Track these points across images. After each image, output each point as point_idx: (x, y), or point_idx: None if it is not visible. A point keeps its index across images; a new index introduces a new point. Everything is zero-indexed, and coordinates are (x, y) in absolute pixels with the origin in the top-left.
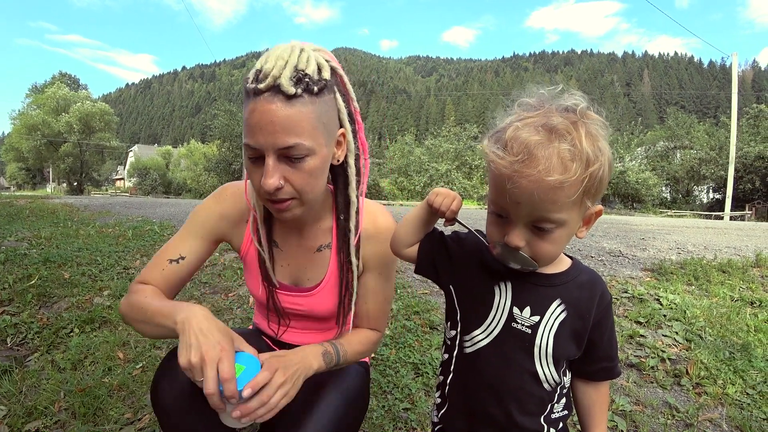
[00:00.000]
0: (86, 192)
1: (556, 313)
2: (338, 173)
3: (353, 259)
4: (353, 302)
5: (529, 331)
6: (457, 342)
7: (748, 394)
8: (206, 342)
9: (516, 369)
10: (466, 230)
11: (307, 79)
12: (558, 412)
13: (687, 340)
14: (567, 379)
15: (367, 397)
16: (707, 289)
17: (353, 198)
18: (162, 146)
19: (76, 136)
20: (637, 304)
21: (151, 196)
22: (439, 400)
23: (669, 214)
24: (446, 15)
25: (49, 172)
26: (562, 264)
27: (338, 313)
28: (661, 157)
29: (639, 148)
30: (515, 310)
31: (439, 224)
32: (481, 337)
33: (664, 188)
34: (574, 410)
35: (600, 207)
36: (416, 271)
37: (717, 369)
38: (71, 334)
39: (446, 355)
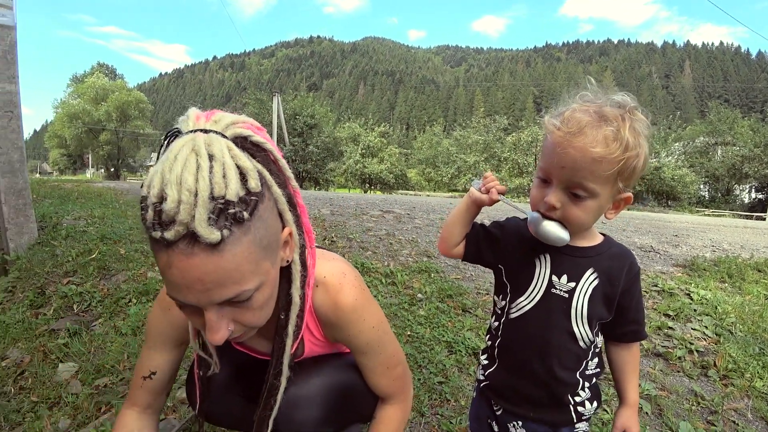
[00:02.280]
0: (122, 177)
1: (589, 280)
2: (282, 272)
3: (284, 369)
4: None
5: (566, 295)
6: (506, 310)
7: None
8: None
9: (556, 329)
10: (510, 208)
11: (231, 210)
12: (591, 369)
13: (716, 334)
14: (599, 340)
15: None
16: (741, 287)
17: (296, 299)
18: None
19: (114, 124)
20: (667, 297)
21: None
22: (486, 362)
23: (706, 213)
24: (476, 4)
25: (88, 158)
26: (596, 239)
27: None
28: (701, 153)
29: (676, 144)
30: (554, 278)
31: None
32: (525, 302)
33: (702, 186)
34: (607, 368)
35: (630, 195)
36: (464, 260)
37: (745, 363)
38: (129, 303)
39: (495, 323)
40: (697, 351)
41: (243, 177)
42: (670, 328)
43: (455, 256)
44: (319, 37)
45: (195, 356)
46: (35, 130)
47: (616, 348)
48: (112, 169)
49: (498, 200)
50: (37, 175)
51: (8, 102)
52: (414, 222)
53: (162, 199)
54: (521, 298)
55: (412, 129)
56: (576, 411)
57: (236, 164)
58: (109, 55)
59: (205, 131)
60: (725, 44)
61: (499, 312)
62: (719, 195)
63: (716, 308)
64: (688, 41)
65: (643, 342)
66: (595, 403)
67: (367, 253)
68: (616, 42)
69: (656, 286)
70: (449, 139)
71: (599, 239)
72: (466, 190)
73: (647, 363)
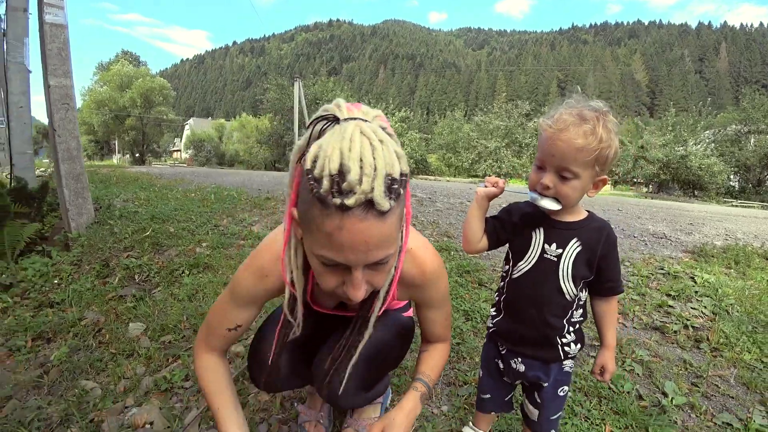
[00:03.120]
0: (147, 162)
1: (573, 247)
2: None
3: (370, 325)
4: (356, 351)
5: (555, 259)
6: (510, 272)
7: (762, 361)
8: None
9: (547, 285)
10: (510, 197)
11: (395, 185)
12: (576, 317)
13: (713, 313)
14: (583, 295)
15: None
16: (745, 273)
17: (391, 270)
18: (215, 119)
19: (139, 110)
20: (671, 280)
21: (207, 166)
22: (494, 313)
23: (734, 203)
24: None
25: (115, 144)
26: (581, 215)
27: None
28: (732, 142)
29: (707, 132)
30: (546, 246)
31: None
32: (524, 265)
33: (732, 176)
34: (590, 317)
35: (605, 177)
36: (489, 250)
37: (737, 338)
38: (182, 274)
39: (502, 283)
40: (692, 327)
41: (398, 160)
42: (670, 306)
43: (480, 251)
44: (338, 20)
45: (281, 321)
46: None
47: (597, 301)
48: (137, 155)
49: (504, 189)
50: None
51: (64, 95)
52: (435, 205)
53: (342, 173)
54: (521, 263)
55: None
56: (563, 350)
57: (395, 149)
58: (132, 42)
59: (362, 120)
60: (765, 26)
61: (505, 274)
62: (750, 186)
63: (717, 291)
64: (724, 22)
65: (642, 317)
66: (579, 345)
67: None
68: (646, 23)
69: (662, 269)
70: (470, 124)
71: (584, 215)
72: (486, 175)
73: (644, 335)
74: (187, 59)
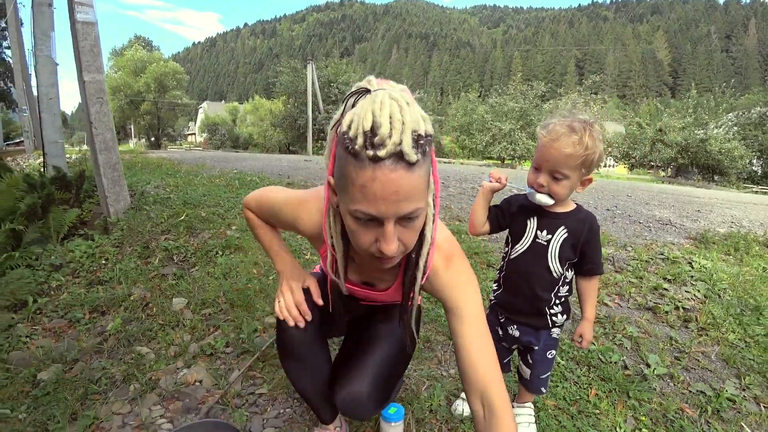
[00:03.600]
0: (163, 147)
1: (561, 234)
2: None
3: (416, 290)
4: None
5: (545, 243)
6: (508, 254)
7: (745, 341)
8: (289, 299)
9: (538, 265)
10: (514, 192)
11: (422, 141)
12: (562, 292)
13: (705, 297)
14: (569, 274)
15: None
16: (742, 260)
17: (428, 237)
18: (228, 102)
19: (153, 95)
20: (670, 264)
21: (221, 150)
22: (495, 287)
23: (754, 190)
24: None
25: (131, 129)
26: (569, 207)
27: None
28: (756, 125)
29: (729, 114)
30: (538, 232)
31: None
32: (520, 248)
33: (754, 161)
34: (574, 293)
35: (591, 177)
36: (490, 233)
37: (724, 320)
38: (216, 255)
39: (502, 262)
40: (683, 308)
41: (424, 121)
42: (665, 289)
43: (483, 234)
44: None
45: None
46: (80, 104)
47: (580, 280)
48: (153, 139)
49: (506, 185)
50: (85, 147)
51: (98, 90)
52: (448, 190)
53: (374, 129)
54: (518, 246)
55: (446, 94)
56: (551, 319)
57: (420, 113)
58: (143, 26)
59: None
60: None
61: (504, 255)
62: None
63: (712, 276)
64: None
65: (637, 298)
66: (565, 316)
67: None
68: None
69: (662, 254)
70: (485, 105)
71: (572, 207)
72: (500, 159)
73: (637, 314)
74: (199, 42)
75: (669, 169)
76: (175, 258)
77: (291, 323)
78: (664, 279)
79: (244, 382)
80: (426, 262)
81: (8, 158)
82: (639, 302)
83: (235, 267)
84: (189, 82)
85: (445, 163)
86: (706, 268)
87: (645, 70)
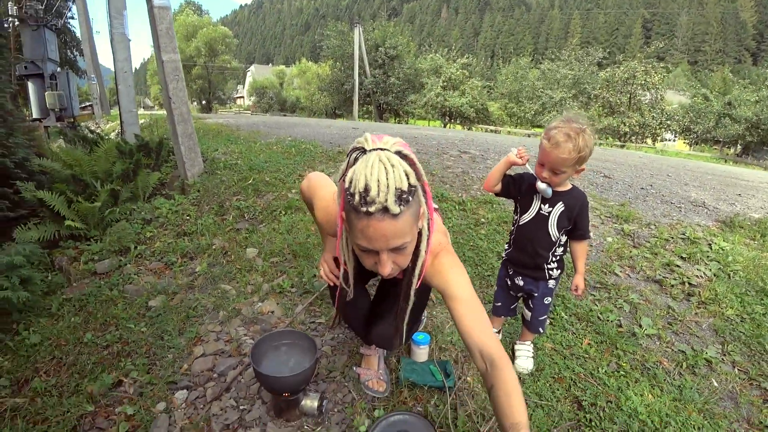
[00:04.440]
0: (214, 110)
1: (559, 207)
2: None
3: (411, 292)
4: (407, 310)
5: (547, 214)
6: (517, 220)
7: (741, 317)
8: (325, 268)
9: (540, 230)
10: (527, 170)
11: (404, 196)
12: (558, 252)
13: (715, 275)
14: (563, 238)
15: None
16: (765, 245)
17: (422, 252)
18: (275, 65)
19: (204, 59)
20: (688, 244)
21: (270, 114)
22: (507, 247)
23: None
24: None
25: None
26: (566, 187)
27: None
28: None
29: None
30: (542, 205)
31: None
32: (527, 217)
33: None
34: (568, 253)
35: (584, 167)
36: (498, 195)
37: (725, 297)
38: (280, 214)
39: (513, 227)
40: (690, 283)
41: (407, 176)
42: (677, 265)
43: (493, 192)
44: None
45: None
46: (135, 69)
47: (573, 243)
48: (204, 102)
49: (525, 164)
50: (141, 110)
51: (175, 68)
52: (486, 163)
53: (366, 190)
54: (525, 215)
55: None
56: (548, 273)
57: (404, 169)
58: None
59: (382, 149)
60: None
61: (514, 222)
62: None
63: (728, 257)
64: None
65: (648, 271)
66: (559, 270)
67: (445, 186)
68: None
69: (684, 234)
70: (536, 71)
71: (568, 188)
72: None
73: (644, 285)
74: (246, 5)
75: (738, 146)
76: (245, 216)
77: (331, 284)
78: (679, 257)
79: (306, 314)
80: (420, 270)
81: (82, 123)
82: (648, 275)
83: (296, 224)
84: (237, 45)
85: (491, 131)
86: (723, 249)
87: (724, 32)
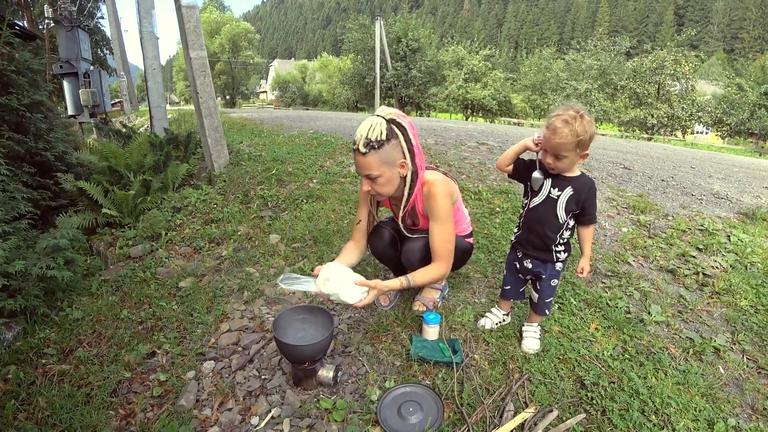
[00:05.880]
0: (237, 105)
1: (568, 192)
2: (406, 179)
3: (404, 203)
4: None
5: (556, 198)
6: (527, 203)
7: (756, 308)
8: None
9: (549, 213)
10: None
11: (371, 144)
12: (565, 235)
13: (731, 267)
14: (570, 222)
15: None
16: None
17: (406, 193)
18: (297, 60)
19: (227, 55)
20: (706, 236)
21: (292, 108)
22: (516, 230)
23: None
24: None
25: None
26: (575, 173)
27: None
28: None
29: None
30: (551, 189)
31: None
32: (537, 200)
33: None
34: (575, 236)
35: (587, 152)
36: (509, 176)
37: (740, 287)
38: (302, 203)
39: (522, 210)
40: (704, 274)
41: (380, 132)
42: (692, 256)
43: (505, 171)
44: None
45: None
46: (161, 65)
47: (580, 228)
48: (228, 97)
49: (538, 151)
50: (168, 106)
51: (202, 65)
52: (503, 149)
53: (356, 136)
54: (535, 198)
55: (521, 48)
56: (556, 255)
57: (380, 129)
58: None
59: (378, 116)
60: None
61: (524, 205)
62: None
63: (746, 249)
64: None
65: (661, 261)
66: (566, 253)
67: (462, 176)
68: None
69: (702, 226)
70: (561, 62)
71: (577, 173)
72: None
73: (657, 274)
74: (268, 0)
75: None
76: (269, 204)
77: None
78: (695, 248)
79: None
80: (408, 199)
81: (113, 118)
82: (661, 264)
83: (317, 212)
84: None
85: (514, 123)
86: (742, 241)
87: (763, 18)
